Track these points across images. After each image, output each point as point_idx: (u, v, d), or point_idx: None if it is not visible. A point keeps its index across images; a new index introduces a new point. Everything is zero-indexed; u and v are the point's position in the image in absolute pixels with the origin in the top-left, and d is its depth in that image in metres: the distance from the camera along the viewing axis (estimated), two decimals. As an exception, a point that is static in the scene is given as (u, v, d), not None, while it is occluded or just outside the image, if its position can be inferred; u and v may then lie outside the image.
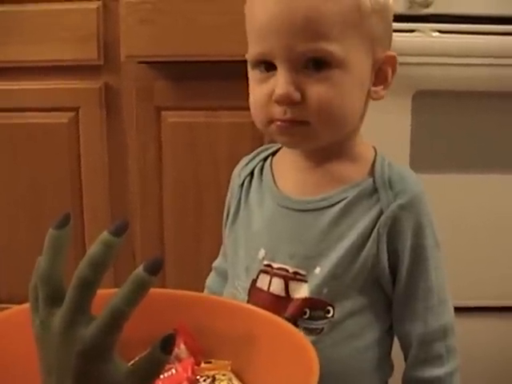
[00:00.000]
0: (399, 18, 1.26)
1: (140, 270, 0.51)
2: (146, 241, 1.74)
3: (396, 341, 0.87)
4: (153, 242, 1.74)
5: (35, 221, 1.76)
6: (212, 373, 0.72)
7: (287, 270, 0.83)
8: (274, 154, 0.91)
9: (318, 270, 0.81)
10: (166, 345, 0.51)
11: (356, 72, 0.78)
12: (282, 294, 0.82)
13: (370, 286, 0.82)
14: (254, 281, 0.85)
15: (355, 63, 0.77)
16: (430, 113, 1.48)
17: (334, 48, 0.75)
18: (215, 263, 1.00)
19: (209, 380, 0.71)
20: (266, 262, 0.84)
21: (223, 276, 0.95)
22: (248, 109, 0.82)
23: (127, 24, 1.59)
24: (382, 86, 0.83)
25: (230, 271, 0.91)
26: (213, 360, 0.74)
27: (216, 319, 0.75)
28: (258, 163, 0.91)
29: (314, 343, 0.74)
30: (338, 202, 0.82)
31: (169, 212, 1.73)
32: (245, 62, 0.82)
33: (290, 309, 0.81)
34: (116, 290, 0.51)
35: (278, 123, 0.78)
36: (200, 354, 0.74)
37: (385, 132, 1.34)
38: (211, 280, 1.00)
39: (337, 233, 0.81)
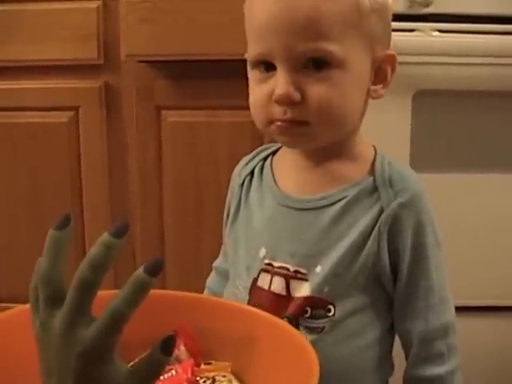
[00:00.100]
0: (399, 18, 1.27)
1: (140, 271, 0.51)
2: (145, 240, 1.74)
3: (397, 340, 0.87)
4: (153, 242, 1.74)
5: (35, 220, 1.76)
6: (212, 374, 0.72)
7: (288, 269, 0.83)
8: (274, 153, 0.91)
9: (318, 269, 0.81)
10: (166, 346, 0.51)
11: (356, 71, 0.78)
12: (283, 292, 0.82)
13: (371, 285, 0.82)
14: (255, 280, 0.85)
15: (355, 63, 0.77)
16: (430, 112, 1.48)
17: (333, 48, 0.75)
18: (215, 263, 1.00)
19: (209, 381, 0.71)
20: (266, 261, 0.84)
21: (224, 276, 0.95)
22: (248, 108, 0.82)
23: (127, 23, 1.59)
24: (381, 85, 0.83)
25: (231, 270, 0.91)
26: (213, 361, 0.74)
27: (216, 320, 0.75)
28: (258, 163, 0.91)
29: (315, 342, 0.74)
30: (339, 201, 0.82)
31: (169, 211, 1.73)
32: (245, 61, 0.82)
33: (291, 308, 0.81)
34: (116, 291, 0.51)
35: (278, 123, 0.78)
36: (200, 356, 0.74)
37: (385, 131, 1.34)
38: (212, 280, 1.01)
39: (337, 231, 0.81)
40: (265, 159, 0.91)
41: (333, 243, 0.81)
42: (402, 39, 1.36)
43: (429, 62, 1.42)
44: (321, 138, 0.80)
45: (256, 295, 0.84)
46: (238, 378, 0.72)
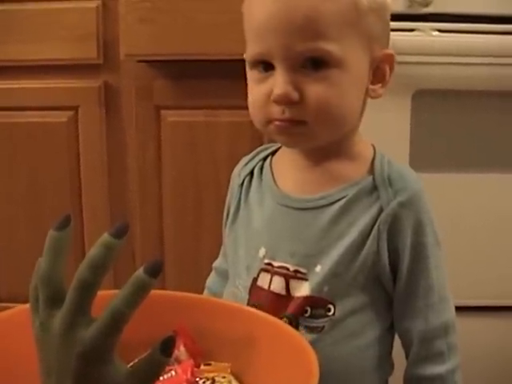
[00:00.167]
0: (399, 17, 1.27)
1: (140, 272, 0.51)
2: (145, 240, 1.74)
3: (397, 339, 0.87)
4: (152, 242, 1.74)
5: (35, 219, 1.76)
6: (212, 375, 0.72)
7: (288, 269, 0.83)
8: (273, 153, 0.91)
9: (318, 268, 0.81)
10: (166, 347, 0.51)
11: (354, 71, 0.78)
12: (283, 292, 0.82)
13: (370, 284, 0.82)
14: (255, 279, 0.85)
15: (353, 62, 0.77)
16: (429, 112, 1.48)
17: (332, 47, 0.75)
18: (215, 263, 1.00)
19: (208, 382, 0.71)
20: (266, 261, 0.84)
21: (223, 276, 0.95)
22: (247, 108, 0.82)
23: (126, 23, 1.59)
24: (380, 85, 0.83)
25: (231, 270, 0.91)
26: (212, 362, 0.74)
27: (216, 321, 0.75)
28: (257, 163, 0.91)
29: (315, 341, 0.74)
30: (338, 201, 0.82)
31: (168, 211, 1.73)
32: (244, 60, 0.82)
33: (291, 307, 0.81)
34: (116, 291, 0.51)
35: (277, 123, 0.78)
36: (200, 356, 0.74)
37: (384, 131, 1.34)
38: (211, 280, 1.01)
39: (337, 231, 0.81)
40: (264, 159, 0.91)
41: (332, 243, 0.81)
42: (402, 39, 1.36)
43: (428, 61, 1.42)
44: (319, 137, 0.80)
45: (256, 295, 0.84)
46: (237, 378, 0.72)
